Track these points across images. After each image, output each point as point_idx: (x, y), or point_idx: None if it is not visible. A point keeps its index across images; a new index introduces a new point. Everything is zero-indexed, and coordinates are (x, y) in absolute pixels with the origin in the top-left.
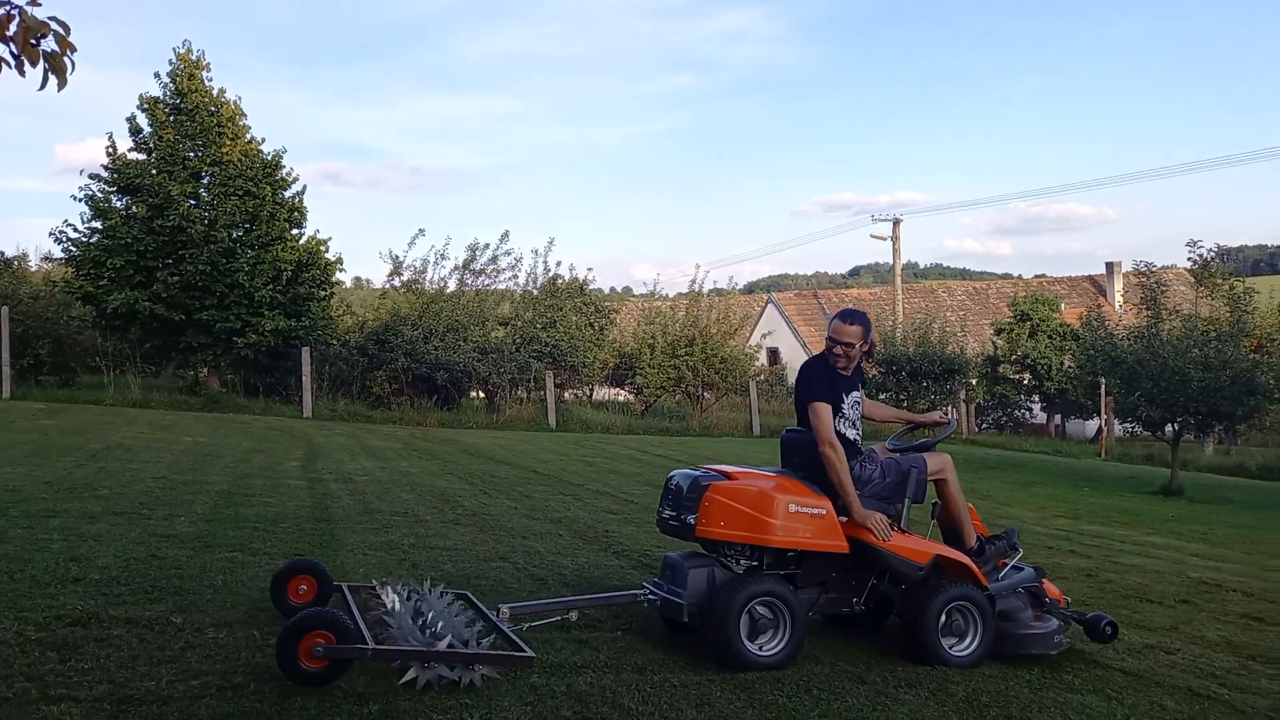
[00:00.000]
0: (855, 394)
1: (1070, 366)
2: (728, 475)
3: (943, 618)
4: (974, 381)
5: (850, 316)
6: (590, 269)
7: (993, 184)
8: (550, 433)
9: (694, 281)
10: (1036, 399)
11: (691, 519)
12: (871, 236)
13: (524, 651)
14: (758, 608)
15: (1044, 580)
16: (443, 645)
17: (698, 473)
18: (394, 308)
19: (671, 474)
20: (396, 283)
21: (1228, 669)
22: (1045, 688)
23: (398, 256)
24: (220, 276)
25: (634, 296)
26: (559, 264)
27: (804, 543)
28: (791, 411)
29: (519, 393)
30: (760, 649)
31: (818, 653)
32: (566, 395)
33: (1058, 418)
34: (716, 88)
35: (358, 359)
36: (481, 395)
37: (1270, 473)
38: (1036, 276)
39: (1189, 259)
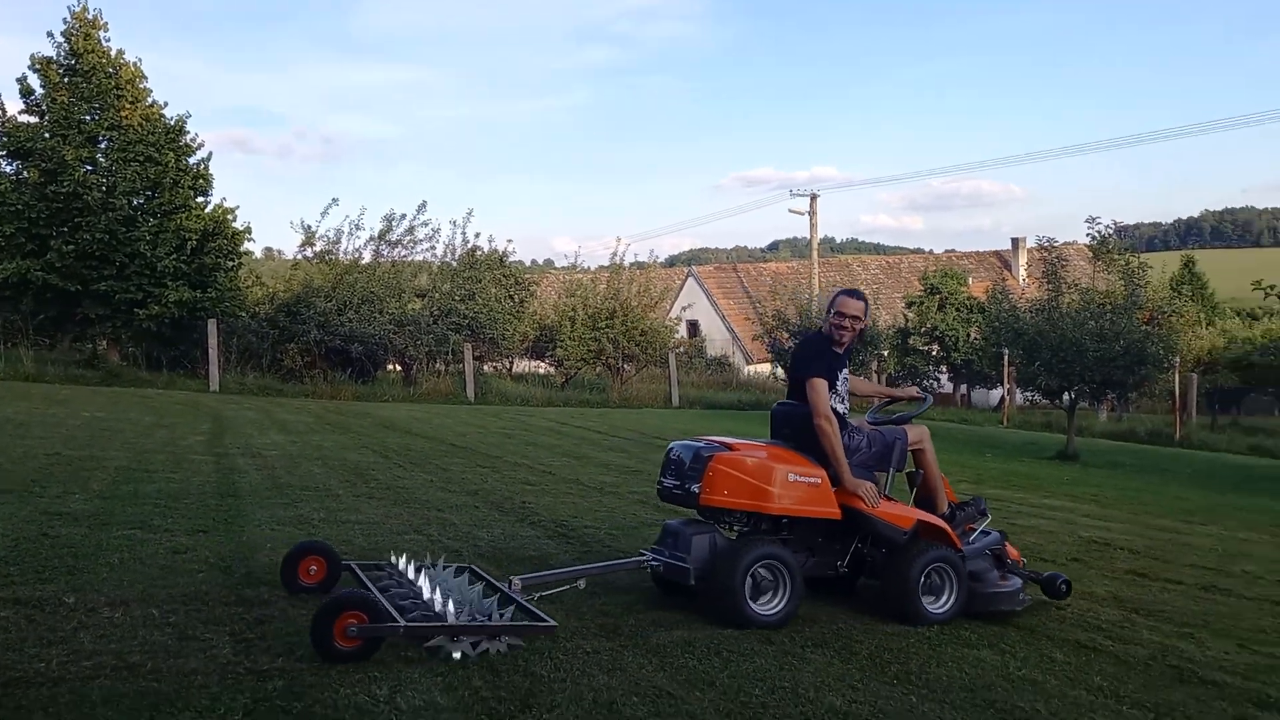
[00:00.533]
0: (845, 370)
1: (976, 338)
2: (729, 446)
3: (923, 578)
4: (885, 353)
5: (855, 294)
6: (510, 241)
7: (907, 161)
8: (469, 405)
9: (615, 254)
10: (944, 369)
11: (696, 488)
12: (790, 211)
13: (546, 621)
14: (760, 570)
15: (1006, 543)
16: (464, 618)
17: (700, 444)
18: (306, 279)
19: (671, 445)
20: (309, 253)
21: (1113, 622)
22: (944, 643)
23: (310, 226)
24: (119, 245)
25: (555, 269)
26: (478, 236)
27: (801, 509)
28: (711, 383)
29: (437, 365)
30: (761, 609)
31: None
32: (485, 368)
33: (964, 387)
34: (632, 63)
35: (268, 331)
36: (398, 368)
37: (1158, 438)
38: (946, 251)
39: (1088, 235)
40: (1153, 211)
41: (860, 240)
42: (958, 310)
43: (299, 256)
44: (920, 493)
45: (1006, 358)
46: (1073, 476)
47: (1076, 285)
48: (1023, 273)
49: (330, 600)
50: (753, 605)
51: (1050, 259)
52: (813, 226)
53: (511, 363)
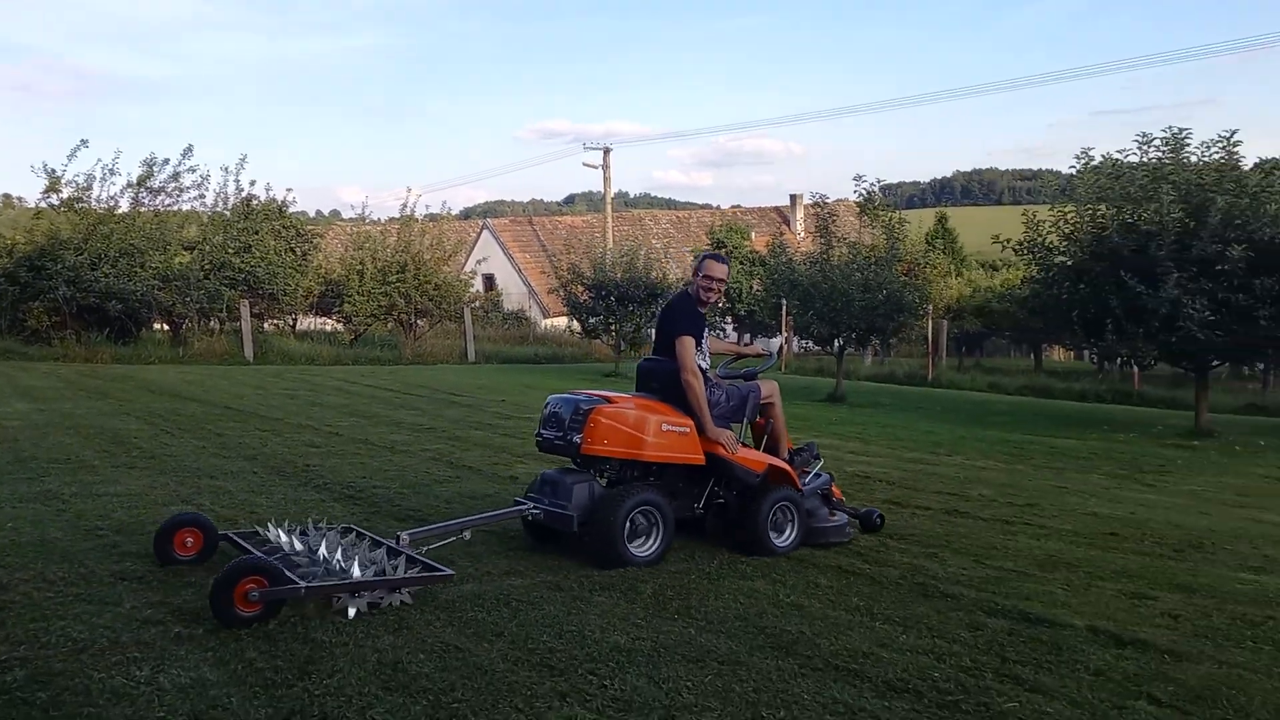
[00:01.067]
0: (706, 328)
1: (758, 290)
2: (608, 400)
3: (771, 516)
4: None
5: (720, 258)
6: (290, 190)
7: (697, 119)
8: (247, 366)
9: (405, 206)
10: (729, 320)
11: (577, 438)
12: (584, 165)
13: (443, 571)
14: (637, 516)
15: (833, 484)
16: (370, 574)
17: (580, 398)
18: (52, 229)
19: (549, 400)
20: (54, 201)
21: (870, 547)
22: (722, 578)
23: (55, 171)
24: None
25: (341, 220)
26: (253, 184)
27: (672, 456)
28: (507, 338)
29: (210, 324)
30: (638, 550)
31: (520, 567)
32: (266, 326)
33: (748, 336)
34: (423, 7)
35: (6, 288)
36: (165, 328)
37: (914, 379)
38: (732, 207)
39: (855, 193)
40: (912, 171)
41: (653, 195)
42: (741, 263)
43: (42, 204)
44: (768, 441)
45: (784, 308)
46: (840, 417)
47: (845, 240)
48: (800, 228)
49: (228, 567)
50: (630, 547)
51: (822, 215)
52: (606, 180)
53: (295, 320)
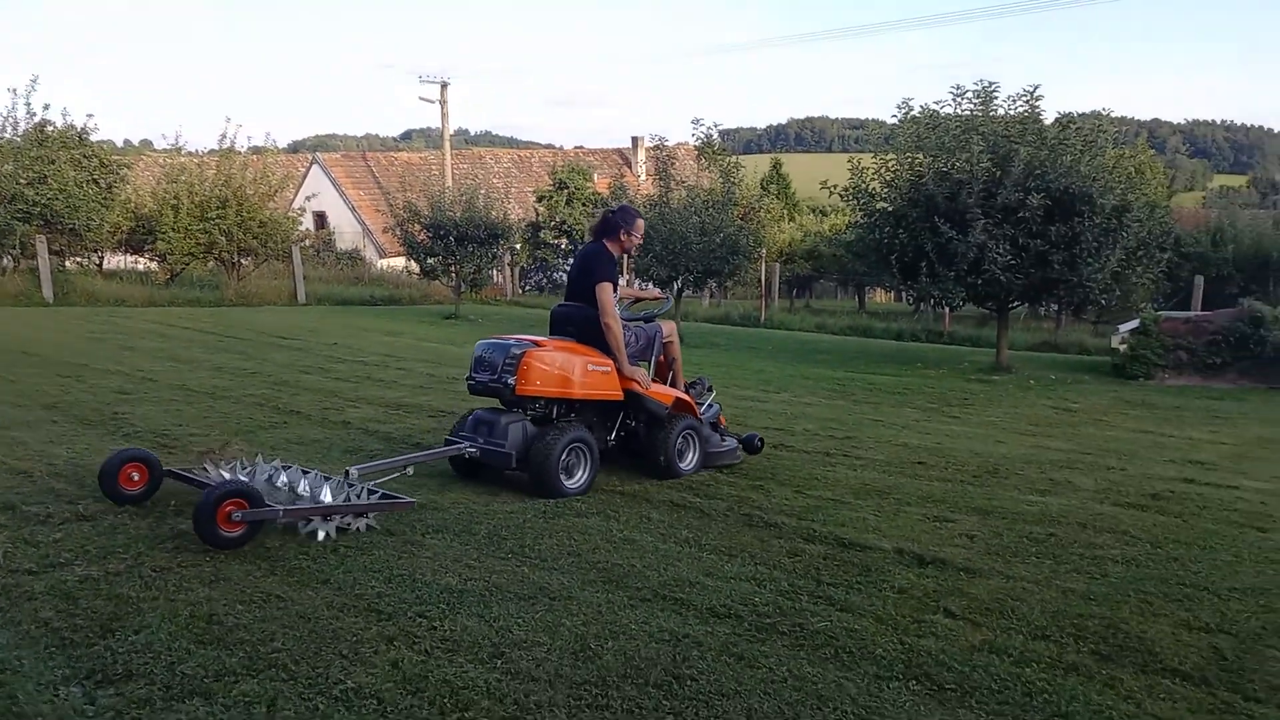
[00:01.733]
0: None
1: None
2: (537, 344)
3: (681, 443)
4: (518, 246)
5: (639, 215)
6: (91, 116)
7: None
8: (46, 308)
9: (225, 136)
10: (569, 261)
11: (511, 380)
12: (420, 99)
13: (404, 499)
14: (569, 452)
15: (720, 414)
16: (341, 499)
17: (510, 343)
18: None
19: (478, 345)
20: None
21: (701, 482)
22: (557, 515)
23: None
24: None
25: (153, 151)
26: (47, 108)
27: (597, 394)
28: (340, 278)
29: (1, 262)
30: (570, 483)
31: None
32: (67, 264)
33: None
34: None
35: None
36: None
37: (748, 320)
38: (575, 148)
39: (693, 136)
40: (750, 117)
41: (494, 134)
42: (584, 204)
43: None
44: (672, 377)
45: None
46: None
47: (684, 183)
48: (641, 170)
49: (211, 492)
50: (564, 480)
51: (662, 158)
52: (444, 116)
53: (101, 258)
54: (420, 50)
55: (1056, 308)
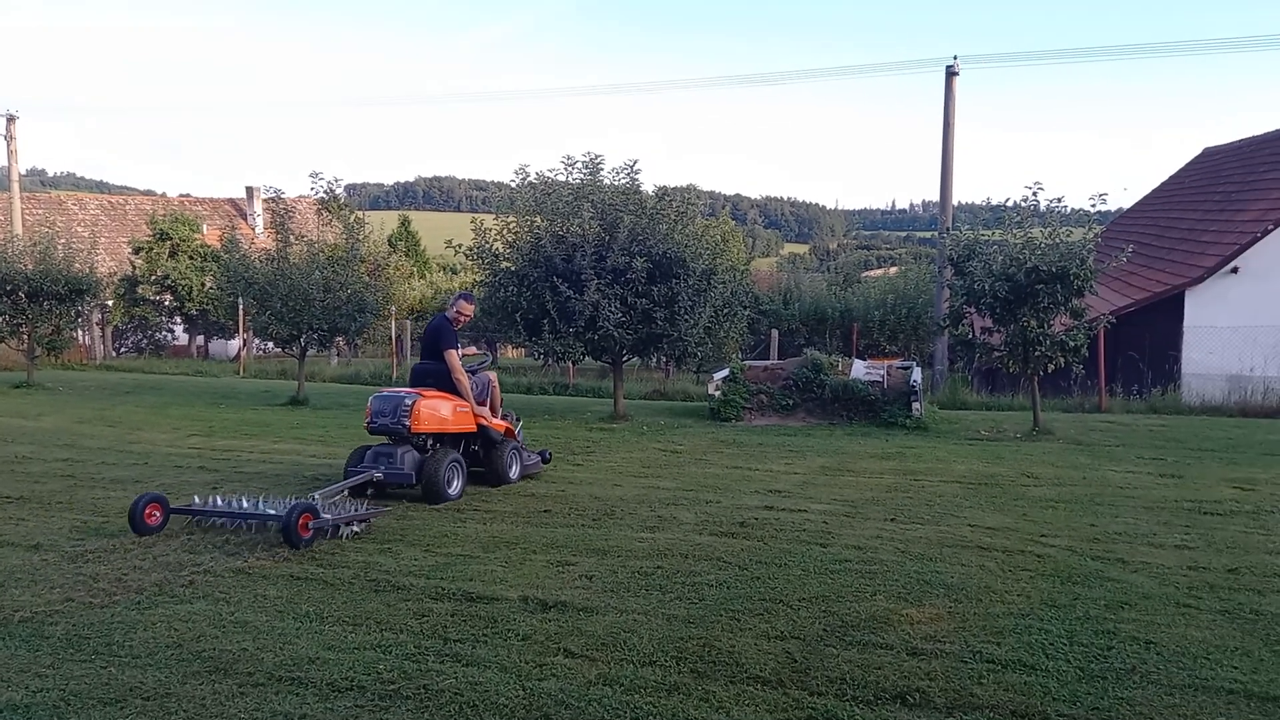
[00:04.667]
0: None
1: (211, 287)
2: (421, 395)
3: (509, 459)
4: (110, 303)
5: (471, 298)
6: None
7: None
8: None
9: None
10: (179, 320)
11: (407, 421)
12: None
13: (383, 509)
14: (449, 470)
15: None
16: (363, 510)
17: (401, 394)
18: None
19: (372, 399)
20: None
21: (325, 551)
22: (154, 605)
23: None
24: None
25: None
26: None
27: (461, 428)
28: None
29: None
30: (451, 490)
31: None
32: None
33: (200, 338)
34: None
35: None
36: None
37: (379, 379)
38: (180, 196)
39: (313, 189)
40: (376, 174)
41: (81, 176)
42: (191, 258)
43: None
44: (492, 410)
45: (242, 307)
46: (302, 419)
47: (304, 237)
48: (258, 221)
49: (292, 509)
50: (448, 489)
51: (279, 210)
52: (11, 153)
53: None
54: None
55: (665, 360)
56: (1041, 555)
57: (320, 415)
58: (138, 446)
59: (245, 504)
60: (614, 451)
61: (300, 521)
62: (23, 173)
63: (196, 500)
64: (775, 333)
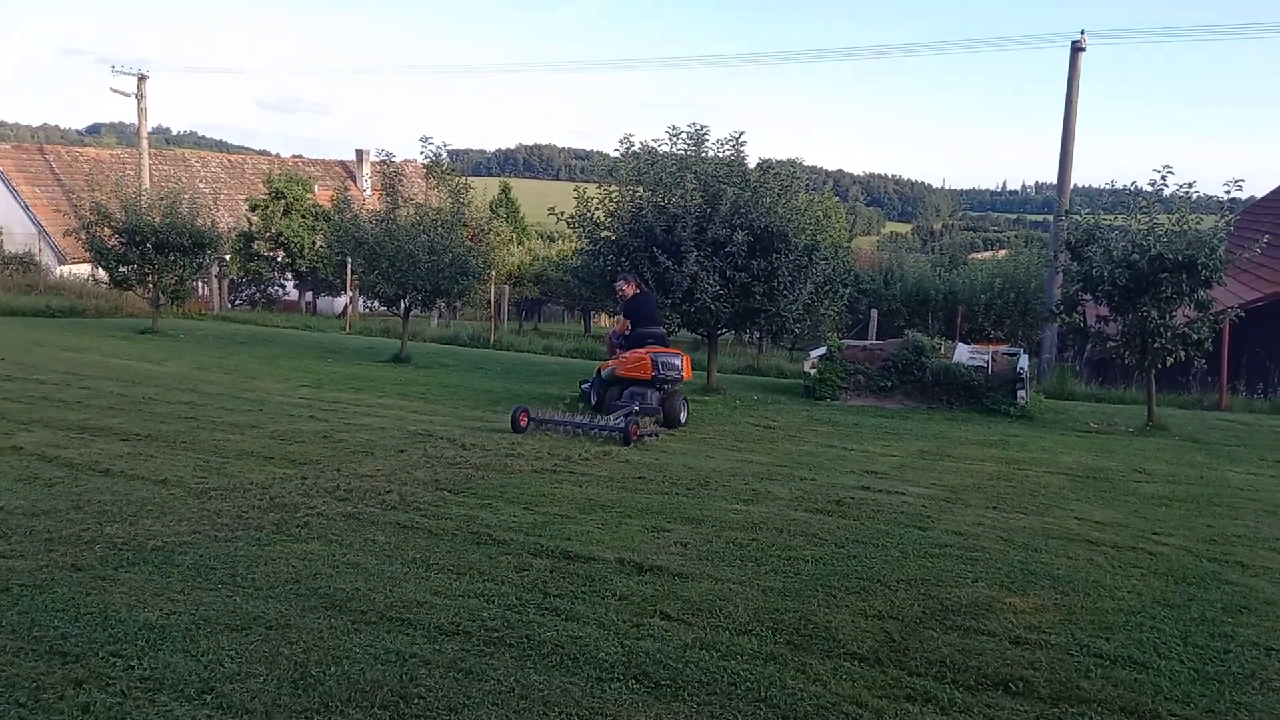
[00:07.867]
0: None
1: (321, 246)
2: (685, 356)
3: (679, 405)
4: (228, 257)
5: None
6: None
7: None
8: None
9: None
10: (289, 276)
11: (682, 373)
12: (112, 90)
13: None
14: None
15: None
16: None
17: (675, 355)
18: None
19: (655, 357)
20: None
21: (430, 502)
22: (274, 543)
23: None
24: None
25: None
26: None
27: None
28: (9, 285)
29: None
30: (682, 419)
31: (22, 548)
32: None
33: (310, 294)
34: None
35: None
36: None
37: (477, 341)
38: (293, 156)
39: (422, 154)
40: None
41: (202, 135)
42: (303, 217)
43: None
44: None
45: (350, 266)
46: (404, 377)
47: (412, 200)
48: (366, 184)
49: (626, 421)
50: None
51: (389, 173)
52: (141, 111)
53: None
54: (113, 36)
55: (759, 335)
56: (1154, 553)
57: (422, 373)
58: (252, 394)
59: (583, 419)
60: (707, 424)
61: (632, 430)
62: (150, 130)
63: (556, 415)
64: (875, 312)
